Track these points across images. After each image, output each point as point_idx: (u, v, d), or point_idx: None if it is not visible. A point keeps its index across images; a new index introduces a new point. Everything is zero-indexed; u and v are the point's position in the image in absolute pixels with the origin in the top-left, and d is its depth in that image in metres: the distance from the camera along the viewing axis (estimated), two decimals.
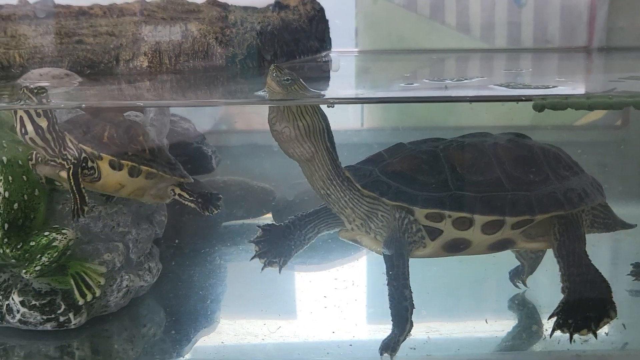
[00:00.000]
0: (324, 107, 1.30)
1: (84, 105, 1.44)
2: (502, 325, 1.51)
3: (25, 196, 1.42)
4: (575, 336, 1.26)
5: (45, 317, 1.43)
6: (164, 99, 1.52)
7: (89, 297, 1.42)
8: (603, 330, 1.30)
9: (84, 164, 1.36)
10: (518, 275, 1.62)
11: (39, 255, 1.39)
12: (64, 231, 1.41)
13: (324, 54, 1.94)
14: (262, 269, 1.45)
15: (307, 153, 1.29)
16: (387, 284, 1.28)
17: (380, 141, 1.52)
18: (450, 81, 1.51)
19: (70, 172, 1.35)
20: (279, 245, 1.45)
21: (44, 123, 1.31)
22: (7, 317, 1.44)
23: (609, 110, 1.44)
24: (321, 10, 1.91)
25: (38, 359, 1.39)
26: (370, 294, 1.68)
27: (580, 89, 1.62)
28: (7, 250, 1.40)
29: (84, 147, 1.37)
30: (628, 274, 1.55)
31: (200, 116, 2.06)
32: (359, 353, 1.41)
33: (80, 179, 1.35)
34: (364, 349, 1.43)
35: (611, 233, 1.49)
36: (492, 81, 1.57)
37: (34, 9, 1.65)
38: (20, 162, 1.42)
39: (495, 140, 1.37)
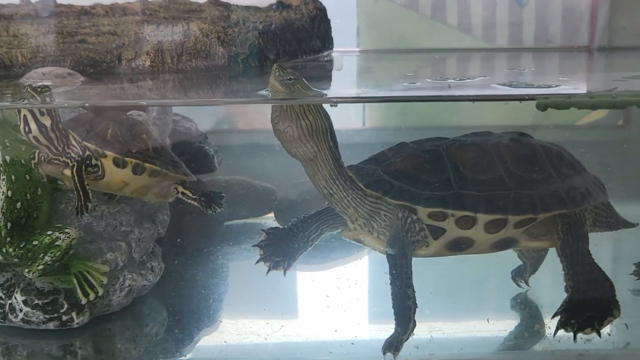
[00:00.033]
0: (326, 106, 1.30)
1: (86, 105, 1.45)
2: (505, 325, 1.50)
3: (28, 195, 1.42)
4: (578, 335, 1.26)
5: (47, 316, 1.43)
6: (166, 98, 1.52)
7: (92, 296, 1.42)
8: (605, 330, 1.29)
9: (87, 162, 1.36)
10: (520, 274, 1.62)
11: (42, 255, 1.39)
12: (66, 230, 1.41)
13: (326, 53, 1.94)
14: (267, 272, 1.45)
15: (310, 152, 1.29)
16: (390, 283, 1.28)
17: (382, 140, 1.53)
18: (452, 80, 1.51)
19: (74, 169, 1.35)
20: (283, 248, 1.45)
21: (47, 121, 1.32)
22: (10, 316, 1.44)
23: (611, 109, 1.44)
24: (323, 10, 1.91)
25: (41, 358, 1.39)
26: (372, 293, 1.67)
27: (582, 88, 1.62)
28: (10, 250, 1.40)
29: (88, 144, 1.37)
30: (630, 274, 1.55)
31: (203, 115, 2.06)
32: (362, 352, 1.41)
33: (84, 177, 1.35)
34: (366, 348, 1.43)
35: (613, 232, 1.49)
36: (495, 80, 1.57)
37: (36, 8, 1.66)
38: (22, 161, 1.42)
39: (498, 139, 1.37)
